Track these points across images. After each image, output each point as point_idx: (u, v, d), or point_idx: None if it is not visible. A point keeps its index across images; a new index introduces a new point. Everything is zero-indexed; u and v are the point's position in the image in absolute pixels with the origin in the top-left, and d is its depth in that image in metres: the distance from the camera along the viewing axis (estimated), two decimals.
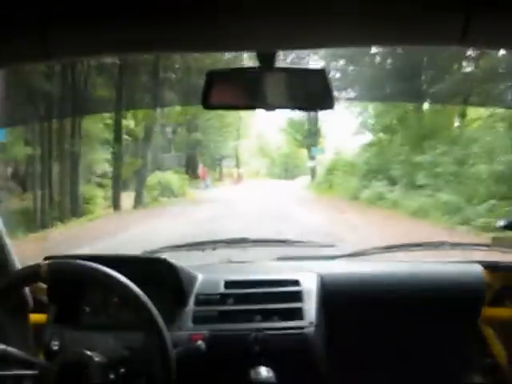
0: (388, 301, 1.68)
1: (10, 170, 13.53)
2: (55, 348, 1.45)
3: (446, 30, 0.80)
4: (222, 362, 1.52)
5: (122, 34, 0.84)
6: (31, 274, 1.32)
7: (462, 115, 14.03)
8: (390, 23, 0.80)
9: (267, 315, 1.58)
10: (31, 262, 1.40)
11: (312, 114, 20.21)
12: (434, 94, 13.27)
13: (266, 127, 34.94)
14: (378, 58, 14.44)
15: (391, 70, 13.74)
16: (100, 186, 15.11)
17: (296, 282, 1.66)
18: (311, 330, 1.53)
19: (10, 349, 1.28)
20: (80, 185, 13.50)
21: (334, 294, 1.67)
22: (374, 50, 12.74)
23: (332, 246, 2.07)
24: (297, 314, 1.57)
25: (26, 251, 5.42)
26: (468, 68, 13.32)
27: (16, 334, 1.51)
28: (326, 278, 1.71)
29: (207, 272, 1.76)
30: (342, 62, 15.36)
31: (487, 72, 11.70)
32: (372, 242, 4.97)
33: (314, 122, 23.09)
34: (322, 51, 13.80)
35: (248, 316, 1.58)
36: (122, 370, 1.28)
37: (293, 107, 1.15)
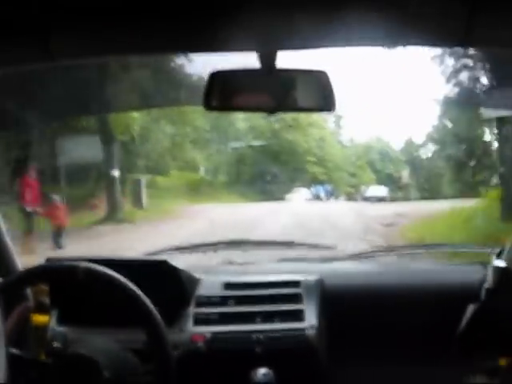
0: (389, 302, 1.68)
1: None
2: (57, 349, 1.45)
3: (448, 31, 0.80)
4: (223, 363, 1.52)
5: (122, 36, 0.85)
6: (67, 273, 1.33)
7: None
8: (391, 23, 0.80)
9: (268, 317, 1.58)
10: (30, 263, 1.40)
11: None
12: None
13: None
14: None
15: None
16: None
17: (297, 284, 1.66)
18: (312, 331, 1.53)
19: (13, 350, 1.28)
20: None
21: (334, 296, 1.67)
22: None
23: (333, 247, 2.07)
24: (298, 315, 1.57)
25: None
26: None
27: (18, 335, 1.51)
28: (326, 279, 1.71)
29: (208, 273, 1.75)
30: None
31: None
32: None
33: None
34: None
35: (249, 318, 1.58)
36: (124, 370, 1.28)
37: (295, 109, 1.15)
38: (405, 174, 21.61)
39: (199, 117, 13.34)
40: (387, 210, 12.07)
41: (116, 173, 11.28)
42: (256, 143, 16.68)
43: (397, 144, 25.41)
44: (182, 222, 10.35)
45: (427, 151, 22.54)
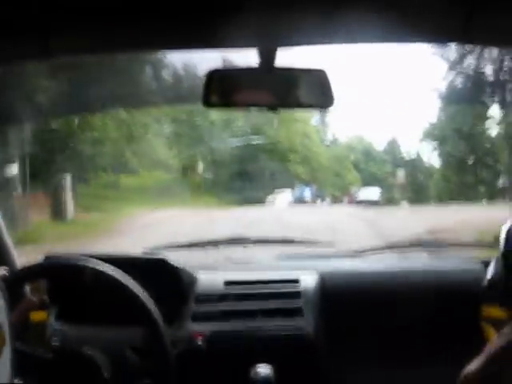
0: (388, 300, 1.68)
1: None
2: (56, 347, 1.46)
3: (447, 27, 0.80)
4: (222, 360, 1.52)
5: (121, 33, 0.85)
6: (74, 272, 1.33)
7: None
8: (391, 20, 0.80)
9: (267, 314, 1.58)
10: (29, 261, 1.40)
11: None
12: None
13: None
14: None
15: None
16: None
17: (296, 281, 1.66)
18: (311, 329, 1.53)
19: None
20: None
21: (334, 293, 1.67)
22: None
23: (333, 245, 2.07)
24: (297, 312, 1.57)
25: None
26: None
27: (17, 332, 1.51)
28: (326, 277, 1.71)
29: (208, 271, 1.75)
30: None
31: None
32: None
33: None
34: None
35: (248, 315, 1.58)
36: (123, 367, 1.28)
37: (294, 106, 1.15)
38: (400, 174, 19.52)
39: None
40: (404, 219, 9.34)
41: (13, 169, 7.48)
42: (235, 141, 14.10)
43: (382, 142, 23.50)
44: (115, 242, 6.75)
45: (419, 149, 21.29)
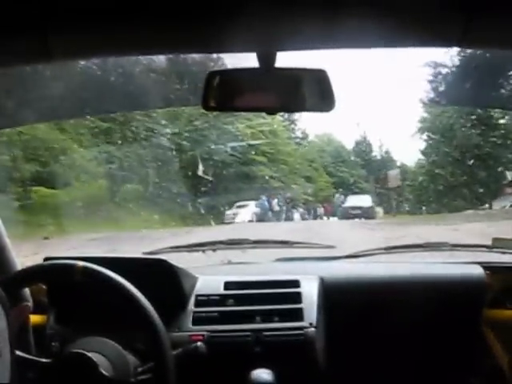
0: (388, 302, 1.68)
1: None
2: (55, 349, 1.45)
3: (446, 31, 0.80)
4: (222, 362, 1.52)
5: (121, 35, 0.85)
6: (63, 272, 1.33)
7: None
8: (390, 24, 0.80)
9: (267, 316, 1.58)
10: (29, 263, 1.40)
11: None
12: None
13: None
14: None
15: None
16: None
17: (296, 283, 1.66)
18: (311, 330, 1.53)
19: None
20: None
21: (334, 295, 1.67)
22: None
23: (332, 247, 2.07)
24: (297, 314, 1.57)
25: None
26: None
27: (16, 334, 1.51)
28: (326, 279, 1.71)
29: (207, 273, 1.75)
30: None
31: None
32: None
33: None
34: None
35: (248, 317, 1.58)
36: (123, 370, 1.28)
37: (294, 109, 1.15)
38: (393, 175, 16.53)
39: None
40: None
41: None
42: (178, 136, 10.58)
43: (352, 140, 20.09)
44: None
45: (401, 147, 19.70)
